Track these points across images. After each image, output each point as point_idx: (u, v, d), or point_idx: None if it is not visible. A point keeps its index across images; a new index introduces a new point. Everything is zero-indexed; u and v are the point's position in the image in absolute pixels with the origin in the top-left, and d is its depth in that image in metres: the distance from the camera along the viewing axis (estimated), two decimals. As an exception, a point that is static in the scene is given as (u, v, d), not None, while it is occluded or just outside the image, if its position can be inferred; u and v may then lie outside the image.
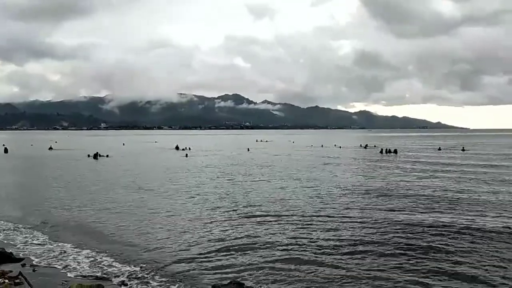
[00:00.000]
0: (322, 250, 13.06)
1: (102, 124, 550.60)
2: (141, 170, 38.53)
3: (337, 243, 13.79)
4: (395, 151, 61.20)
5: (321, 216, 17.90)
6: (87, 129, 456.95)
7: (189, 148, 70.95)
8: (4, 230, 15.73)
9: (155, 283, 10.60)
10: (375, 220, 16.97)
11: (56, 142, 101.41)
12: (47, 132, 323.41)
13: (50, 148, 74.09)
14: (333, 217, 17.70)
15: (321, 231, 15.31)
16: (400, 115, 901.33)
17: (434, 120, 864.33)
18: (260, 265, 11.83)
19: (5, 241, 13.76)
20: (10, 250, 12.15)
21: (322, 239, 14.24)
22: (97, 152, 55.81)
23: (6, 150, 64.13)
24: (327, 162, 47.06)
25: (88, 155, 54.62)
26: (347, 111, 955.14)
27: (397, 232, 15.00)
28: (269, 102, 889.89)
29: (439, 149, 70.68)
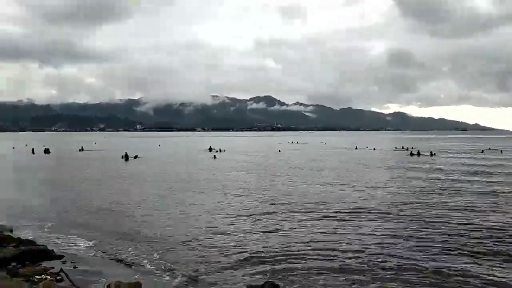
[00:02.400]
0: (359, 251, 12.78)
1: (137, 126, 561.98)
2: (173, 171, 38.98)
3: (377, 244, 13.48)
4: (433, 153, 59.62)
5: (356, 216, 17.58)
6: (123, 131, 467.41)
7: (222, 150, 71.35)
8: (45, 227, 16.19)
9: (188, 282, 10.64)
10: (417, 220, 16.52)
11: (95, 143, 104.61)
12: (84, 133, 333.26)
13: (81, 149, 75.55)
14: (370, 218, 17.33)
15: (357, 232, 15.00)
16: (436, 117, 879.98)
17: (471, 121, 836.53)
18: (296, 266, 11.67)
19: (47, 239, 14.11)
20: (52, 248, 12.46)
21: (359, 240, 13.94)
22: (126, 153, 55.68)
23: (47, 151, 66.42)
24: (360, 163, 46.32)
25: (122, 156, 54.95)
26: (381, 113, 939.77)
27: (440, 234, 14.53)
28: (301, 104, 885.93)
29: (482, 151, 68.28)
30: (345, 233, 15.13)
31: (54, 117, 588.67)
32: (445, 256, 12.45)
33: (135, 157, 55.09)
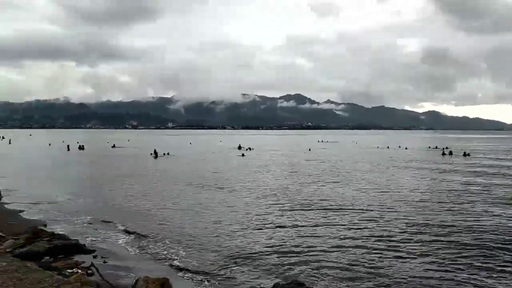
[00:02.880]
0: (385, 251, 12.51)
1: (169, 124, 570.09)
2: (203, 169, 39.25)
3: (405, 244, 13.16)
4: (466, 154, 57.79)
5: (385, 216, 17.22)
6: (154, 128, 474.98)
7: (251, 148, 71.44)
8: (77, 222, 16.59)
9: (215, 279, 10.66)
10: (444, 224, 16.04)
11: (128, 140, 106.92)
12: (117, 131, 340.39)
13: (113, 146, 77.35)
14: (398, 218, 16.95)
15: (387, 232, 14.70)
16: (471, 116, 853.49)
17: (508, 121, 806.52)
18: (322, 265, 11.56)
19: (79, 233, 14.44)
20: (83, 242, 12.73)
21: (387, 241, 13.65)
22: (155, 150, 56.10)
23: (82, 147, 68.25)
24: (391, 163, 45.43)
25: (152, 154, 55.45)
26: (414, 111, 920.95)
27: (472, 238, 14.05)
28: (332, 102, 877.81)
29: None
30: (371, 235, 14.83)
31: (89, 115, 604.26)
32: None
33: (164, 154, 55.57)
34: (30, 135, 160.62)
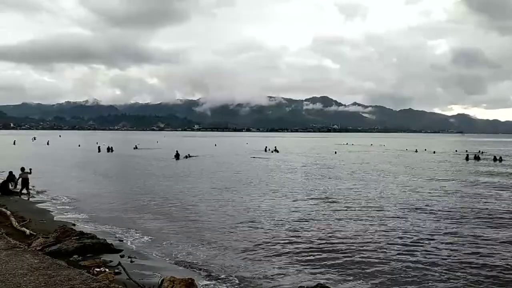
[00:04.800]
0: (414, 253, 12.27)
1: (195, 126, 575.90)
2: (228, 170, 39.43)
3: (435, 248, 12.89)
4: (497, 158, 55.29)
5: (414, 219, 16.91)
6: (181, 130, 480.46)
7: (277, 151, 71.40)
8: (105, 222, 16.91)
9: (239, 280, 10.67)
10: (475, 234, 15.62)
11: (157, 142, 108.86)
12: (145, 132, 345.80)
13: (135, 148, 78.42)
14: (426, 220, 16.62)
15: (415, 236, 14.43)
16: (502, 119, 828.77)
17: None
18: (348, 267, 11.45)
19: (106, 233, 14.71)
20: (111, 242, 12.95)
21: (415, 244, 13.40)
22: (177, 151, 56.54)
23: (111, 149, 69.42)
24: (418, 166, 44.59)
25: (175, 156, 55.79)
26: (444, 114, 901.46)
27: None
28: (359, 104, 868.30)
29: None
30: (400, 239, 14.58)
31: (118, 117, 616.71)
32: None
33: (186, 156, 55.69)
34: (60, 136, 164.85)
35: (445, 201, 22.53)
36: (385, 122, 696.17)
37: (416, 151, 79.23)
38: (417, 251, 13.14)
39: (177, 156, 54.61)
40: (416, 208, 20.27)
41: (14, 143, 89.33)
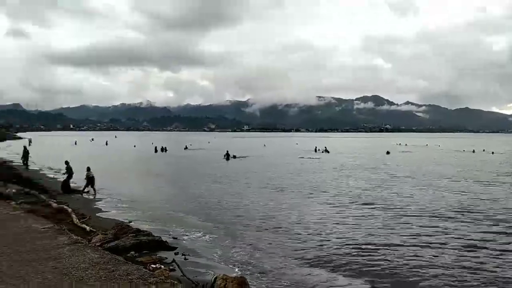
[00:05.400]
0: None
1: (244, 126, 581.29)
2: (277, 170, 39.38)
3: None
4: None
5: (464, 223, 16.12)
6: (230, 131, 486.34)
7: (327, 151, 70.52)
8: (160, 220, 17.38)
9: (291, 280, 10.60)
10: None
11: (209, 142, 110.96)
12: (197, 133, 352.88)
13: (186, 148, 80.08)
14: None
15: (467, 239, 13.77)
16: None
17: None
18: (399, 273, 11.10)
19: (161, 230, 15.09)
20: (165, 239, 13.29)
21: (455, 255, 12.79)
22: (227, 151, 57.22)
23: (165, 149, 71.42)
24: (477, 168, 42.51)
25: (224, 155, 56.56)
26: (503, 113, 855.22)
27: None
28: (412, 103, 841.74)
29: None
30: (447, 250, 13.95)
31: (171, 118, 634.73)
32: None
33: (235, 156, 56.21)
34: (116, 136, 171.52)
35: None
36: (439, 121, 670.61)
37: (474, 151, 75.68)
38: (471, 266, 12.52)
39: (227, 156, 55.29)
40: (477, 219, 19.31)
41: (75, 144, 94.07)
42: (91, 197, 22.88)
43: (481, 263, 11.95)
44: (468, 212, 19.19)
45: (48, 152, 63.59)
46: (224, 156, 55.67)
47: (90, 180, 23.74)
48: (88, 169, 23.99)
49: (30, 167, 36.68)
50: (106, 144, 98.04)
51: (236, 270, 11.26)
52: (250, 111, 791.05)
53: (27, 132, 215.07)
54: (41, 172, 34.49)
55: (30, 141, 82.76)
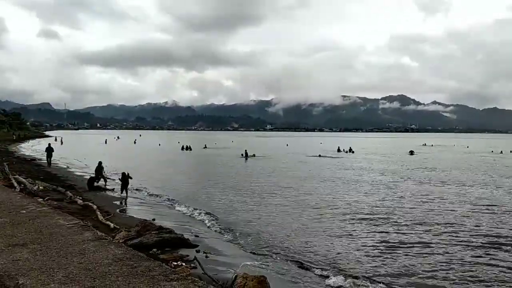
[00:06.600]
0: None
1: (268, 126, 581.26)
2: (300, 170, 39.23)
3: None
4: None
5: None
6: (254, 130, 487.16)
7: (352, 151, 69.77)
8: (183, 217, 17.56)
9: (311, 280, 10.59)
10: None
11: (232, 141, 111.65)
12: (220, 132, 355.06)
13: (205, 147, 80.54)
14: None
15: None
16: None
17: None
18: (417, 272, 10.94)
19: (183, 228, 15.26)
20: (187, 237, 13.42)
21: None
22: (246, 151, 57.27)
23: (189, 148, 72.25)
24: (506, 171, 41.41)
25: (242, 155, 56.57)
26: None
27: None
28: (439, 103, 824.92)
29: None
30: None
31: (195, 117, 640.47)
32: None
33: (254, 155, 56.25)
34: (140, 135, 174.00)
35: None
36: (467, 121, 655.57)
37: (501, 152, 73.87)
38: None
39: (245, 155, 55.48)
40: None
41: (105, 142, 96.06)
42: (114, 194, 23.10)
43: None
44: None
45: (81, 150, 65.98)
46: (242, 155, 55.98)
47: (124, 181, 23.07)
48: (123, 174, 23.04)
49: (53, 165, 37.50)
50: (135, 142, 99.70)
51: (257, 269, 11.29)
52: (273, 111, 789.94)
53: (57, 131, 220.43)
54: (68, 169, 35.33)
55: (61, 141, 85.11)
